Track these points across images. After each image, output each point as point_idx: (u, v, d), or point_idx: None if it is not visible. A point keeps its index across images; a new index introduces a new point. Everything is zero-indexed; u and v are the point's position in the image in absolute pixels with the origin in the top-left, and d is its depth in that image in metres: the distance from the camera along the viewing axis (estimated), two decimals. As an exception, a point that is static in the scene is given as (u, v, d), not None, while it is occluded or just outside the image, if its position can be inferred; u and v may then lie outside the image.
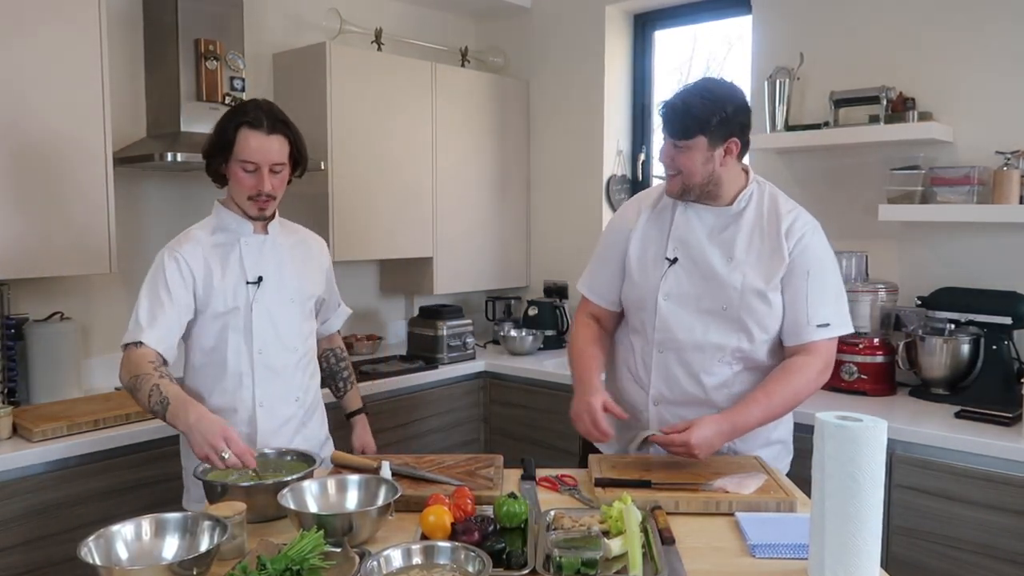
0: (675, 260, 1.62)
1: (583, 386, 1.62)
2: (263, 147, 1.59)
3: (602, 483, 1.45)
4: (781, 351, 1.63)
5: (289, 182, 1.70)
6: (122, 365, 1.54)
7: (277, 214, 1.76)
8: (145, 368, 1.49)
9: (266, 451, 1.53)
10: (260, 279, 1.67)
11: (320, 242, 1.87)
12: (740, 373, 1.61)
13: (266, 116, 1.60)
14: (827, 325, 1.58)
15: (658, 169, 3.26)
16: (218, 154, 1.62)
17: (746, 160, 1.68)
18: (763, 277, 1.57)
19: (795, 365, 1.57)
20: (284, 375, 1.70)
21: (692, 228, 1.63)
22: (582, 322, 1.77)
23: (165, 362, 1.56)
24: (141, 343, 1.54)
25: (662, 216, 1.68)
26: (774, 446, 1.69)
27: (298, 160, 1.68)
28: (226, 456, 1.34)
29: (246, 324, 1.65)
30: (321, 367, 1.91)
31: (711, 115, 1.51)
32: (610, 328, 1.78)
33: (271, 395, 1.68)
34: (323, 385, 1.90)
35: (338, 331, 2.00)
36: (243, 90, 2.41)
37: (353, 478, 1.36)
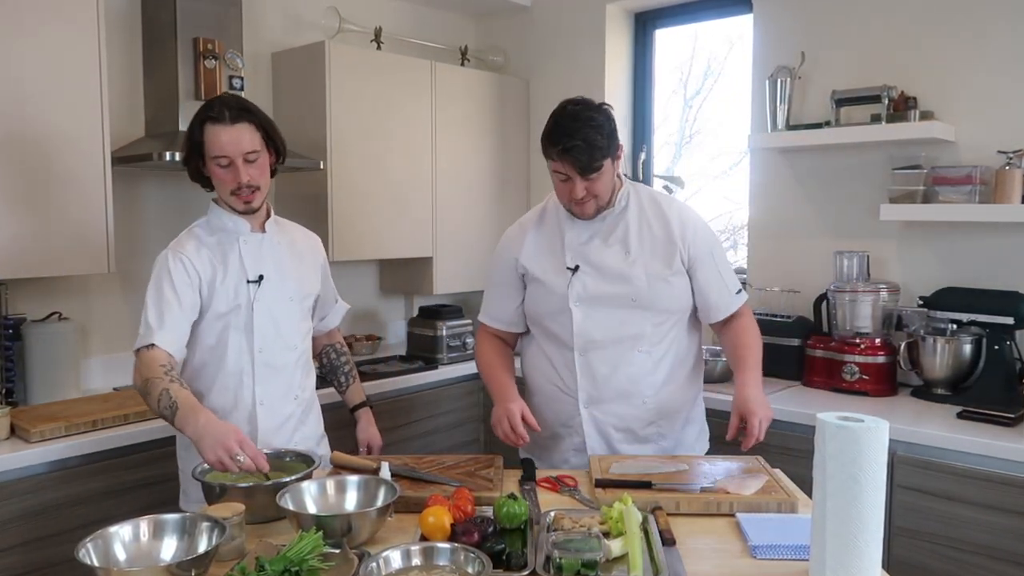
0: (576, 268, 1.69)
1: (501, 394, 1.70)
2: (231, 139, 1.56)
3: (602, 484, 1.44)
4: (693, 334, 1.77)
5: (274, 174, 1.69)
6: (135, 369, 1.54)
7: (273, 213, 1.75)
8: (156, 372, 1.49)
9: (264, 451, 1.50)
10: (261, 278, 1.66)
11: (315, 239, 1.87)
12: (660, 361, 1.70)
13: (227, 108, 1.57)
14: (740, 291, 1.76)
15: (659, 168, 3.25)
16: (193, 157, 1.62)
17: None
18: (663, 262, 1.68)
19: (740, 324, 1.75)
20: (284, 373, 1.70)
21: (583, 236, 1.70)
22: (484, 338, 1.86)
23: (175, 364, 1.55)
24: (153, 345, 1.53)
25: (550, 231, 1.75)
26: (694, 425, 1.80)
27: (274, 147, 1.66)
28: (241, 460, 1.33)
29: (247, 323, 1.64)
30: (322, 363, 1.91)
31: (605, 138, 1.59)
32: (512, 343, 1.88)
33: (271, 393, 1.68)
34: (325, 381, 1.90)
35: (338, 327, 1.99)
36: (242, 89, 2.40)
37: (352, 479, 1.36)
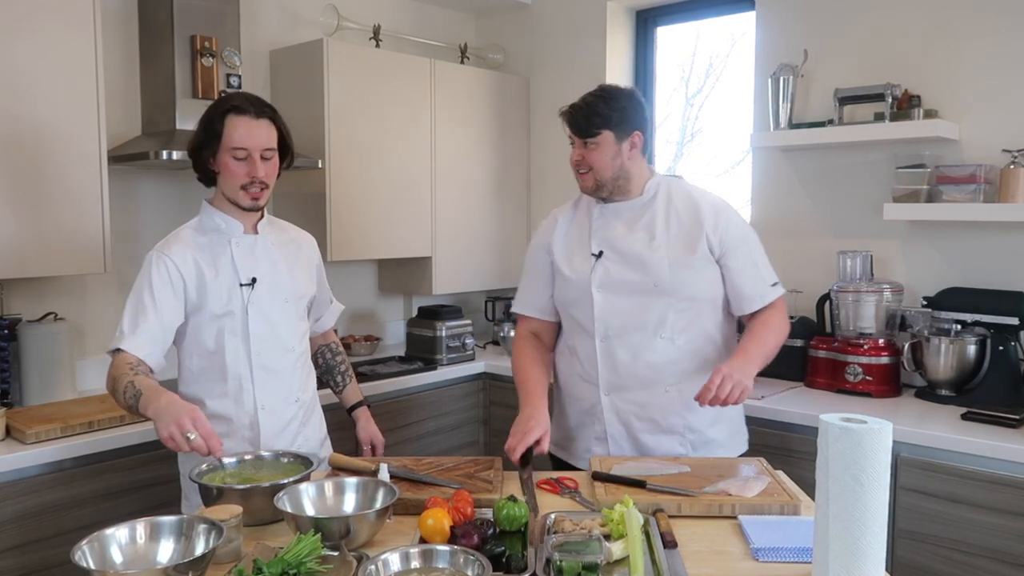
0: (600, 254, 1.71)
1: (526, 403, 1.66)
2: (252, 132, 1.57)
3: (599, 477, 1.46)
4: (726, 326, 1.75)
5: (278, 176, 1.68)
6: (107, 372, 1.54)
7: (266, 213, 1.74)
8: (122, 370, 1.49)
9: (263, 453, 1.51)
10: (254, 280, 1.65)
11: (310, 239, 1.85)
12: (685, 349, 1.69)
13: (251, 103, 1.59)
14: (776, 284, 1.74)
15: (660, 167, 3.24)
16: (206, 147, 1.60)
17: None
18: (686, 248, 1.68)
19: (765, 314, 1.71)
20: (283, 376, 1.69)
21: (611, 224, 1.74)
22: (521, 339, 1.84)
23: (146, 365, 1.54)
24: (122, 350, 1.53)
25: (580, 220, 1.79)
26: (726, 423, 1.75)
27: (285, 150, 1.66)
28: (191, 438, 1.32)
29: (243, 327, 1.63)
30: (317, 364, 1.89)
31: (611, 111, 1.64)
32: (550, 343, 1.86)
33: (272, 397, 1.67)
34: (321, 382, 1.89)
35: (333, 328, 1.97)
36: (239, 87, 2.39)
37: (351, 481, 1.35)
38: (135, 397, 1.43)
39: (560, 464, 1.80)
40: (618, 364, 1.69)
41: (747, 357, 1.60)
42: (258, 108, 1.59)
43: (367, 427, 1.91)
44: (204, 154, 1.61)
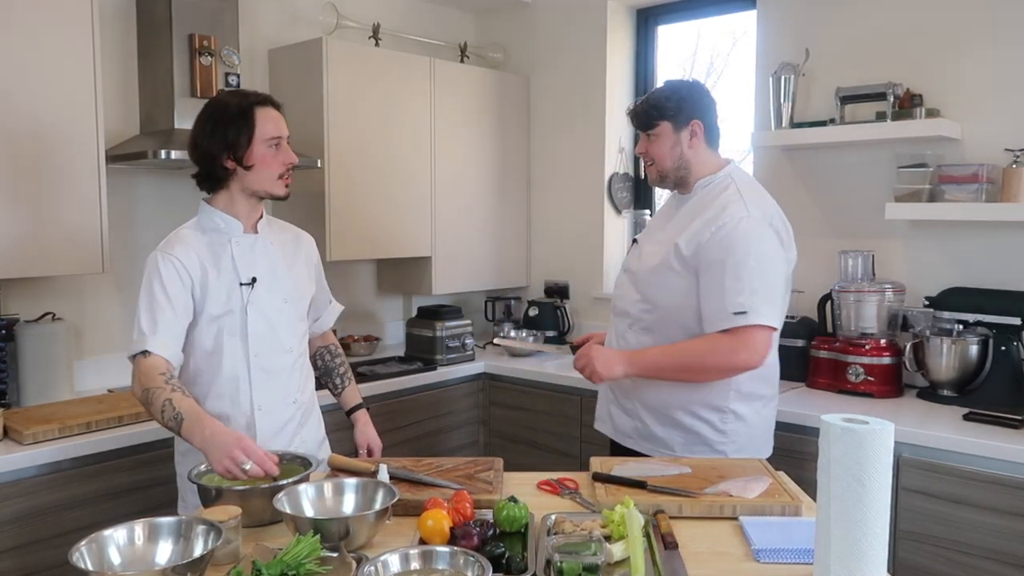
0: (635, 241, 1.89)
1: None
2: (279, 123, 1.63)
3: (600, 478, 1.46)
4: (685, 336, 1.72)
5: None
6: (134, 378, 1.54)
7: (265, 213, 1.74)
8: (156, 381, 1.48)
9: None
10: (254, 280, 1.64)
11: (309, 239, 1.84)
12: (647, 345, 1.74)
13: (267, 96, 1.64)
14: (744, 313, 1.60)
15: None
16: (237, 144, 1.57)
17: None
18: (662, 252, 1.72)
19: (709, 336, 1.65)
20: (281, 377, 1.68)
21: (660, 216, 1.88)
22: None
23: (173, 370, 1.54)
24: (148, 352, 1.52)
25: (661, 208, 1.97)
26: (681, 430, 1.74)
27: None
28: (247, 468, 1.34)
29: (242, 327, 1.62)
30: (316, 365, 1.89)
31: (667, 100, 1.72)
32: None
33: (269, 398, 1.66)
34: (320, 384, 1.88)
35: (332, 329, 1.96)
36: (238, 86, 2.38)
37: (350, 481, 1.35)
38: (175, 420, 1.43)
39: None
40: (609, 337, 1.87)
41: (631, 357, 1.69)
42: (273, 100, 1.65)
43: (365, 431, 1.89)
44: (230, 152, 1.58)
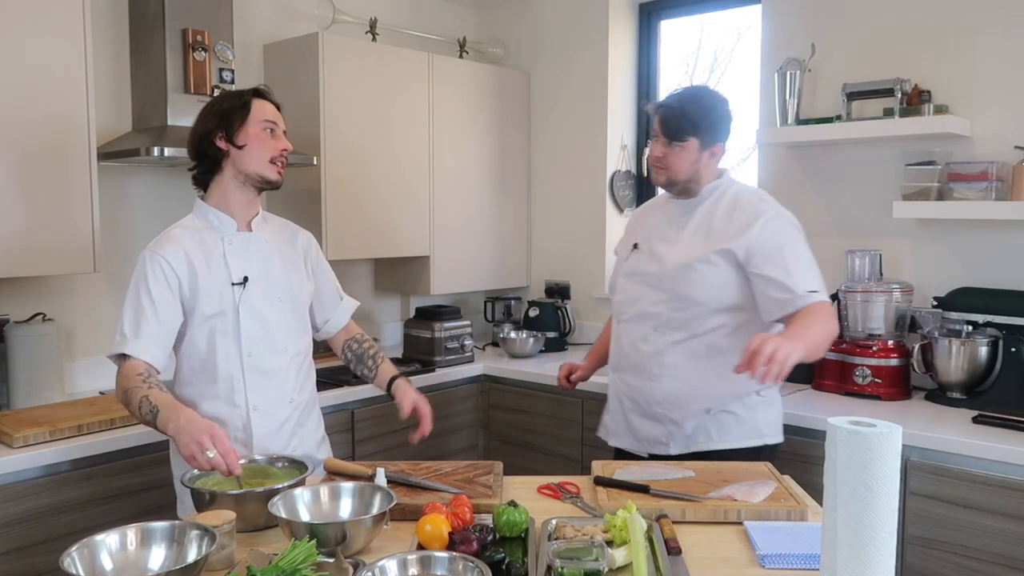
0: (635, 246, 1.88)
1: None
2: (276, 113, 1.65)
3: (602, 482, 1.46)
4: (735, 329, 1.73)
5: None
6: (116, 381, 1.54)
7: (261, 210, 1.72)
8: (134, 381, 1.49)
9: (256, 457, 1.50)
10: (245, 279, 1.62)
11: (307, 236, 1.82)
12: (675, 346, 1.76)
13: (265, 92, 1.67)
14: (816, 291, 1.68)
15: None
16: (227, 123, 1.58)
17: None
18: (703, 250, 1.72)
19: (809, 313, 1.64)
20: (276, 377, 1.67)
21: (658, 218, 1.88)
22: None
23: (154, 371, 1.54)
24: (128, 356, 1.52)
25: (645, 212, 1.97)
26: (705, 422, 1.79)
27: None
28: (210, 455, 1.32)
29: (234, 327, 1.61)
30: (346, 358, 1.88)
31: (702, 118, 1.73)
32: None
33: (264, 398, 1.65)
34: (354, 373, 1.88)
35: (353, 322, 1.92)
36: (232, 82, 2.36)
37: (347, 485, 1.34)
38: (152, 413, 1.43)
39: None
40: (622, 346, 1.86)
41: (788, 334, 1.56)
42: (273, 97, 1.67)
43: (407, 393, 1.81)
44: (219, 131, 1.58)
